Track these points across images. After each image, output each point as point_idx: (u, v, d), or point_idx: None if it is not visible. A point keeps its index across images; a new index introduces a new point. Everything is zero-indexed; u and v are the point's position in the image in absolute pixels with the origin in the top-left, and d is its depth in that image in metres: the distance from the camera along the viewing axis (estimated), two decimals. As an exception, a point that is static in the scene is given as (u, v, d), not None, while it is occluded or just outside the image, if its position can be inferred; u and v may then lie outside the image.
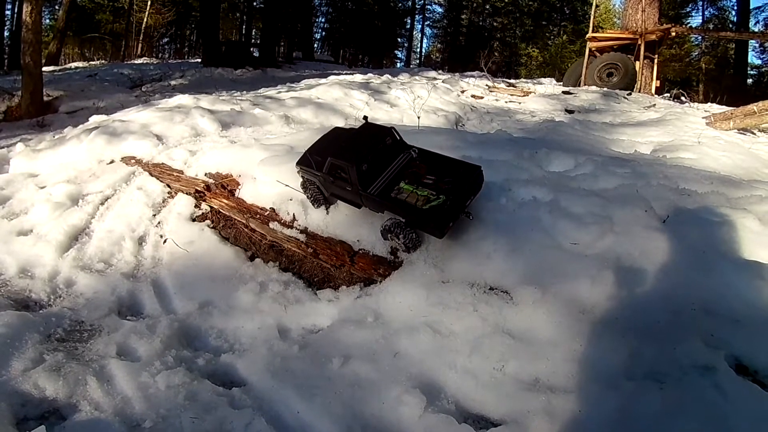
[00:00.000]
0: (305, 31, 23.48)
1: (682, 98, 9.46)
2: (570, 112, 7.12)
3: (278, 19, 17.04)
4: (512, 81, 10.91)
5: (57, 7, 24.29)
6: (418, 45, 37.75)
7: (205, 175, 3.54)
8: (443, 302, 2.17)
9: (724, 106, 8.03)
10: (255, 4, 26.51)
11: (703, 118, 5.92)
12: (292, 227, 2.89)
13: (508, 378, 1.82)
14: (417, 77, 9.42)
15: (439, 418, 1.71)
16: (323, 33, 34.33)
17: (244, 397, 1.90)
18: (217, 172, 3.51)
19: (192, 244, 3.06)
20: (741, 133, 5.37)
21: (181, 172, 3.68)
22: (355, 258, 2.61)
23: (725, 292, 1.91)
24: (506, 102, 7.66)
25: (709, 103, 9.71)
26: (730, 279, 1.95)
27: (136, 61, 17.41)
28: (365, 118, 2.68)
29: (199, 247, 3.04)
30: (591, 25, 12.26)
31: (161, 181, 3.69)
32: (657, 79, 11.11)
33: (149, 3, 24.84)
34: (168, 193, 3.61)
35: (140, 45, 24.10)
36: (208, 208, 3.36)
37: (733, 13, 25.03)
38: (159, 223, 3.36)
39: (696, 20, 27.02)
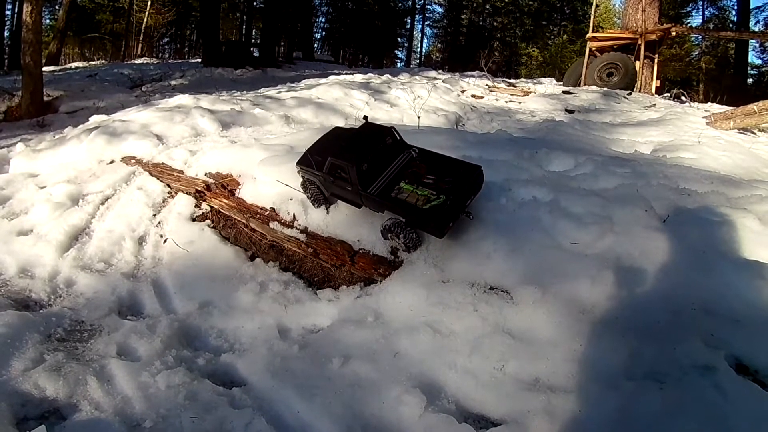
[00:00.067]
0: (305, 31, 23.48)
1: (683, 98, 9.46)
2: (570, 111, 7.12)
3: (278, 19, 17.05)
4: (512, 81, 10.91)
5: (57, 7, 24.30)
6: (418, 45, 37.80)
7: (206, 174, 3.54)
8: (443, 302, 2.17)
9: (724, 106, 8.03)
10: (255, 4, 26.51)
11: (703, 117, 5.92)
12: (292, 227, 2.89)
13: (508, 378, 1.82)
14: (417, 77, 9.42)
15: (439, 418, 1.71)
16: (323, 33, 34.35)
17: (244, 397, 1.90)
18: (217, 171, 3.51)
19: (192, 243, 3.06)
20: (741, 133, 5.37)
21: (182, 171, 3.68)
22: (356, 258, 2.61)
23: (725, 292, 1.91)
24: (506, 102, 7.66)
25: (709, 103, 9.71)
26: (730, 279, 1.95)
27: (136, 61, 17.42)
28: (365, 117, 2.68)
29: (199, 246, 3.04)
30: (591, 24, 12.25)
31: (161, 181, 3.69)
32: (657, 78, 11.11)
33: (149, 3, 24.85)
34: (168, 193, 3.61)
35: (140, 45, 24.11)
36: (209, 208, 3.36)
37: (733, 12, 25.06)
38: (159, 223, 3.36)
39: (696, 20, 27.05)
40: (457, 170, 2.42)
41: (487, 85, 8.65)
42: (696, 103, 9.19)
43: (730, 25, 24.49)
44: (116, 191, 3.67)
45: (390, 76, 8.94)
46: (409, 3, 34.52)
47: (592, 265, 2.09)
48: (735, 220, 2.25)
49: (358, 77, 8.63)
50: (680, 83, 22.33)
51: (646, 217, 2.29)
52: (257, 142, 3.77)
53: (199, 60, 15.76)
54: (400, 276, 2.40)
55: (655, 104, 7.89)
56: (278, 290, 2.63)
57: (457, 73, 11.17)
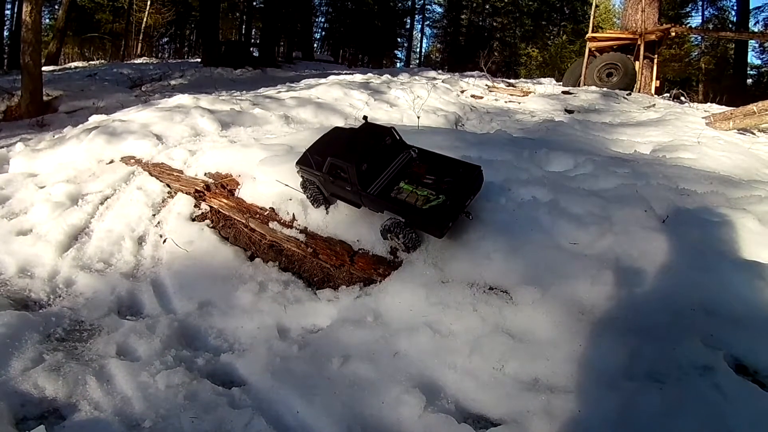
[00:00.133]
0: (305, 31, 23.47)
1: (682, 98, 9.46)
2: (570, 112, 7.12)
3: (278, 19, 17.04)
4: (512, 81, 10.91)
5: (57, 7, 24.28)
6: (418, 45, 37.85)
7: (205, 174, 3.54)
8: (443, 302, 2.17)
9: (723, 106, 8.03)
10: (255, 4, 26.52)
11: (702, 118, 5.92)
12: (291, 227, 2.89)
13: (507, 378, 1.82)
14: (417, 77, 9.42)
15: (439, 418, 1.71)
16: (323, 33, 34.36)
17: (243, 397, 1.90)
18: (217, 171, 3.50)
19: (191, 243, 3.06)
20: (741, 133, 5.37)
21: (181, 171, 3.67)
22: (355, 258, 2.60)
23: (725, 292, 1.90)
24: (506, 102, 7.66)
25: (708, 103, 9.72)
26: (730, 279, 1.95)
27: (135, 61, 17.43)
28: (365, 117, 2.68)
29: (198, 246, 3.04)
30: (591, 25, 12.27)
31: (161, 181, 3.69)
32: (657, 79, 11.12)
33: (149, 3, 24.85)
34: (168, 192, 3.61)
35: (140, 45, 24.12)
36: (208, 208, 3.36)
37: (733, 13, 25.10)
38: (159, 222, 3.36)
39: (696, 20, 27.10)
40: (456, 170, 2.42)
41: (486, 85, 8.65)
42: (695, 104, 9.20)
43: (730, 26, 24.53)
44: (116, 191, 3.67)
45: (389, 76, 8.94)
46: (409, 3, 34.59)
47: (591, 265, 2.09)
48: (734, 221, 2.26)
49: (358, 77, 8.63)
50: (680, 83, 22.37)
51: (645, 218, 2.30)
52: (257, 142, 3.77)
53: (199, 60, 15.76)
54: (399, 276, 2.40)
55: (654, 104, 7.89)
56: (278, 290, 2.63)
57: (456, 73, 11.17)
